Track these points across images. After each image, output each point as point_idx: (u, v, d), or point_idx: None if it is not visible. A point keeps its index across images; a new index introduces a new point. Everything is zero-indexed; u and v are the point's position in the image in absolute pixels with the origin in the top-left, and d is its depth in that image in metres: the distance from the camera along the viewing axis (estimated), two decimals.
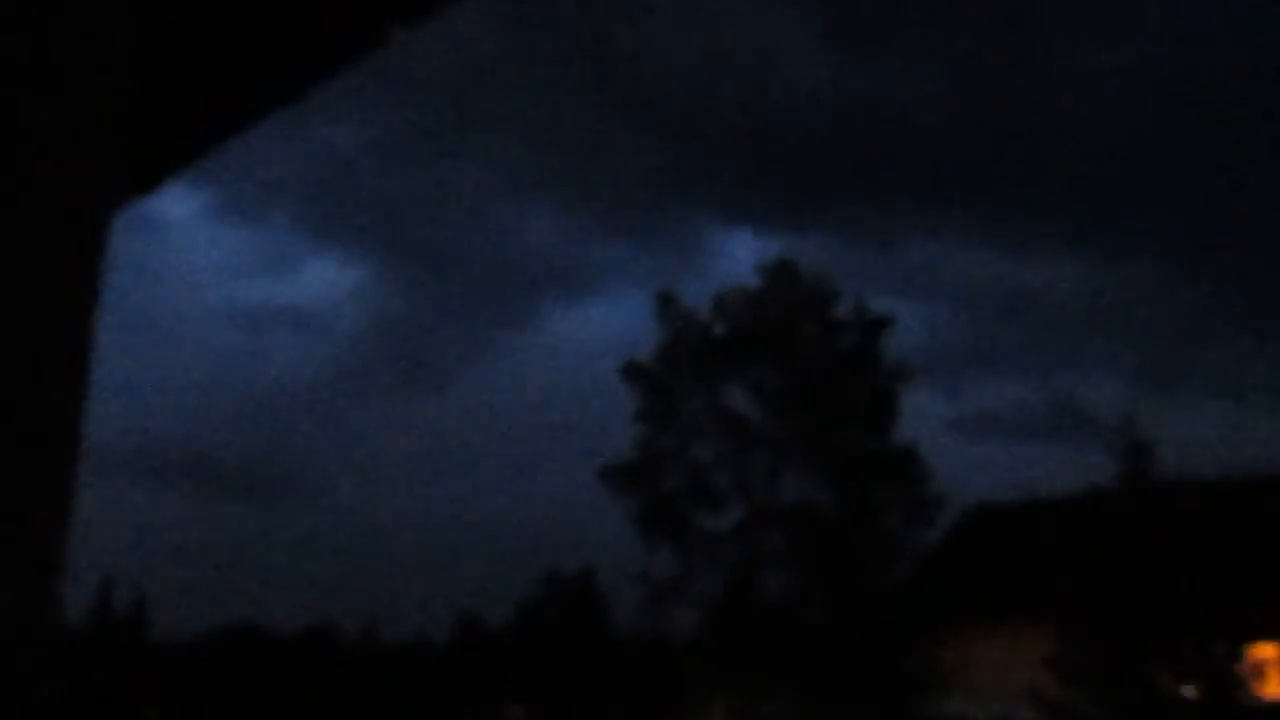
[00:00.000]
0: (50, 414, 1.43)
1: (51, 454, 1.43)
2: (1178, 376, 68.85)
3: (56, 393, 1.45)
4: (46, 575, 1.41)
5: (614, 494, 29.25)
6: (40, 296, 1.42)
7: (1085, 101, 62.18)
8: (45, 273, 1.44)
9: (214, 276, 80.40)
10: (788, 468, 29.08)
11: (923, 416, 40.69)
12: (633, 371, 29.99)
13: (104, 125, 1.50)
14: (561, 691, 36.41)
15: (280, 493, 75.82)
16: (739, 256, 63.71)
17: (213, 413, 71.15)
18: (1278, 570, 23.43)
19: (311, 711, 47.05)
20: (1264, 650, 22.42)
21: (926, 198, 68.74)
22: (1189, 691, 20.74)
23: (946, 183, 66.17)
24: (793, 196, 65.13)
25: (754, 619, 27.90)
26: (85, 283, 1.49)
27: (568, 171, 74.20)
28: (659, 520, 28.87)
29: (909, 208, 65.39)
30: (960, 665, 25.17)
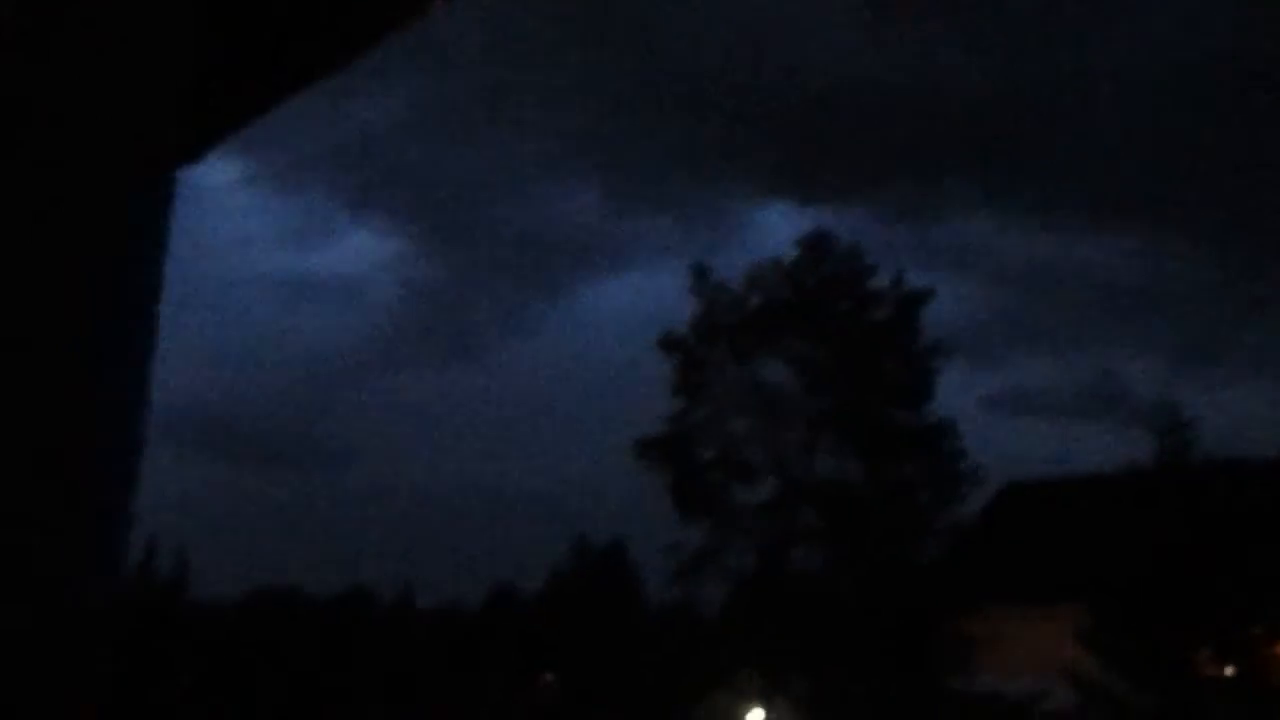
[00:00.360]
0: (120, 386, 1.46)
1: (123, 421, 1.46)
2: (1218, 356, 67.92)
3: (125, 362, 1.47)
4: (116, 545, 1.44)
5: (648, 466, 29.36)
6: (108, 259, 1.44)
7: (1133, 79, 61.14)
8: (112, 234, 1.46)
9: (251, 246, 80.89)
10: (821, 442, 29.04)
11: (959, 393, 40.44)
12: (668, 344, 29.99)
13: (170, 87, 1.52)
14: (591, 660, 36.71)
15: (318, 460, 76.59)
16: (776, 231, 63.20)
17: (252, 380, 71.85)
18: None
19: (346, 674, 47.75)
20: None
21: (968, 174, 68.03)
22: (1226, 673, 20.60)
23: (989, 160, 65.39)
24: (832, 172, 64.60)
25: (784, 593, 27.96)
26: (152, 244, 1.51)
27: (605, 145, 73.92)
28: (691, 493, 28.94)
29: (950, 185, 64.68)
30: (992, 642, 25.12)
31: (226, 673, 48.06)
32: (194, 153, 1.86)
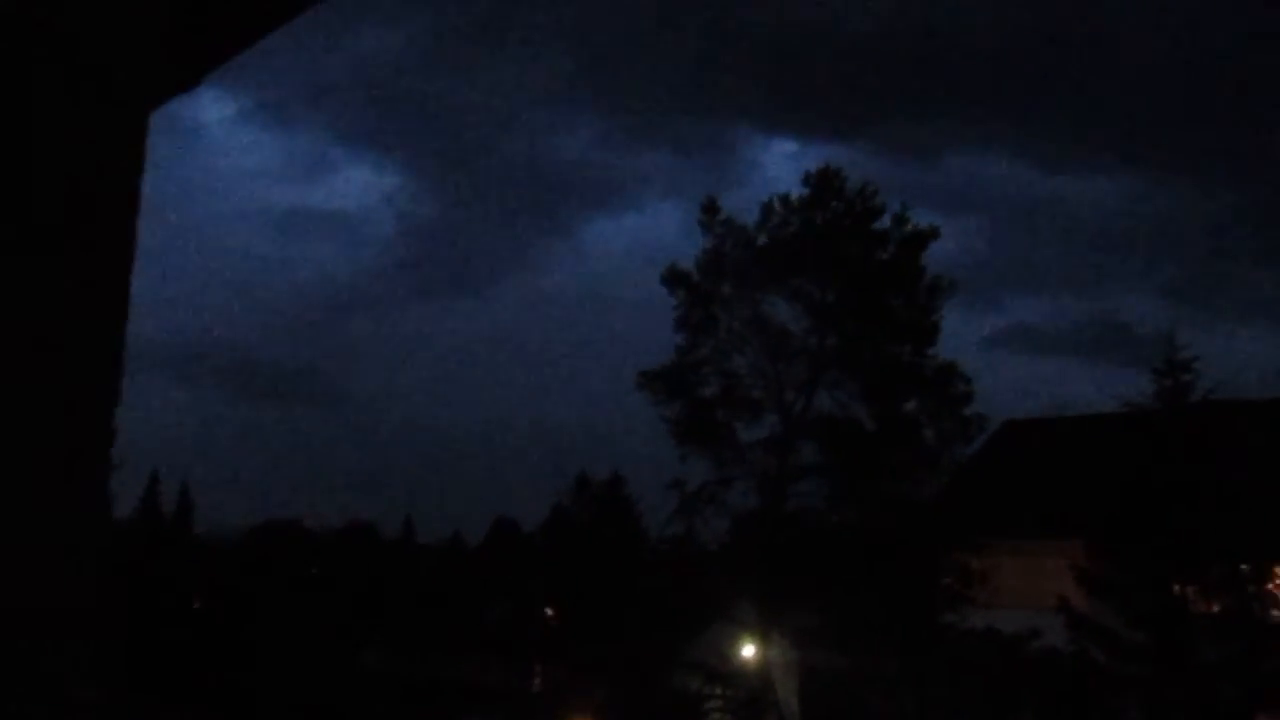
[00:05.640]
0: (92, 315, 1.46)
1: (95, 352, 1.47)
2: (1217, 295, 67.69)
3: (98, 294, 1.47)
4: (94, 471, 1.46)
5: (651, 400, 29.42)
6: (82, 195, 1.45)
7: (1133, 18, 60.05)
8: (87, 169, 1.46)
9: (250, 180, 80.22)
10: (825, 379, 29.05)
11: (961, 331, 40.39)
12: (673, 279, 29.85)
13: (144, 19, 1.52)
14: (591, 594, 37.10)
15: (321, 394, 76.81)
16: (780, 168, 62.82)
17: (253, 315, 71.80)
18: None
19: (349, 605, 48.34)
20: None
21: (971, 113, 67.32)
22: (1214, 609, 20.80)
23: (991, 99, 64.61)
24: (835, 109, 63.97)
25: (784, 527, 28.16)
26: (126, 179, 1.52)
27: (607, 79, 73.07)
28: (694, 427, 29.02)
29: (953, 123, 64.08)
30: (988, 578, 25.36)
31: (231, 604, 48.65)
32: (184, 83, 1.87)
